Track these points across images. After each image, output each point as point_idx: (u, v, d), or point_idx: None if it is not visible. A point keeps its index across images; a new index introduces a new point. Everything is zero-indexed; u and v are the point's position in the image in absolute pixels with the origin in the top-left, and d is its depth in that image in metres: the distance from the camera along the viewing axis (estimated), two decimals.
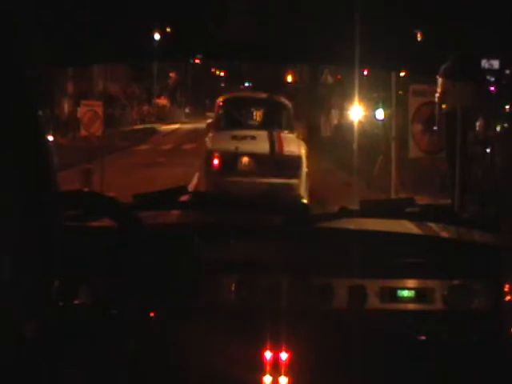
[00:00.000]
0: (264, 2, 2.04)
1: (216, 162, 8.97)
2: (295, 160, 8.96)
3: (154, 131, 34.12)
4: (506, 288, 1.84)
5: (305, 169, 9.07)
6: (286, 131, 9.71)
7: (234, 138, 9.27)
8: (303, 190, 8.75)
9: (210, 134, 9.82)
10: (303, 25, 1.92)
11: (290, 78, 29.47)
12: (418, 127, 9.88)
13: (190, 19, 2.05)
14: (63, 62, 1.96)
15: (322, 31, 1.92)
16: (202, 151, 9.70)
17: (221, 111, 10.22)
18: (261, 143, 9.17)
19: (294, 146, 9.28)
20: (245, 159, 9.09)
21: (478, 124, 10.50)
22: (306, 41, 1.96)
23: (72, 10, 1.85)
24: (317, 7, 1.90)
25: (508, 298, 1.84)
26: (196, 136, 29.93)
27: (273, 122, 9.88)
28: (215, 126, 9.99)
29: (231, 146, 9.09)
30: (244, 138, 9.30)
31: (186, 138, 28.74)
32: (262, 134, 9.34)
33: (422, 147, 9.92)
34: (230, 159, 9.00)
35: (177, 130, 37.73)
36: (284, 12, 1.96)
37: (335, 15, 1.89)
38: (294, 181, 8.75)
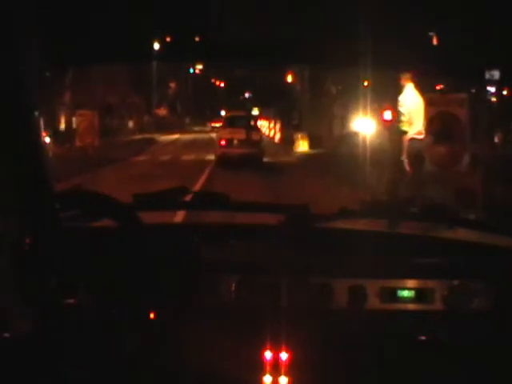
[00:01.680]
0: (264, 4, 2.05)
1: (223, 142, 20.36)
2: (257, 142, 20.53)
3: (152, 141, 34.07)
4: (506, 288, 1.84)
5: (262, 146, 20.94)
6: (253, 130, 21.38)
7: (230, 132, 20.64)
8: (261, 155, 20.25)
9: (220, 130, 22.07)
10: (305, 26, 1.92)
11: (290, 78, 29.69)
12: (430, 139, 9.38)
13: (189, 23, 2.06)
14: (62, 62, 1.96)
15: (323, 32, 1.92)
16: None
17: (225, 120, 22.87)
18: (242, 134, 20.36)
19: (257, 136, 20.96)
20: (235, 141, 20.29)
21: (496, 136, 10.27)
22: (308, 42, 1.96)
23: (72, 10, 1.86)
24: (319, 9, 1.91)
25: (508, 298, 1.84)
26: (195, 147, 29.94)
27: (248, 125, 21.30)
28: (222, 127, 22.12)
29: (229, 135, 20.54)
30: (235, 132, 20.53)
31: (185, 149, 28.64)
32: (243, 131, 20.57)
33: (435, 161, 9.35)
34: (229, 141, 20.28)
35: (176, 140, 37.66)
36: (284, 13, 1.97)
37: (338, 16, 1.90)
38: (257, 151, 20.07)
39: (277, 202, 2.25)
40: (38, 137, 1.84)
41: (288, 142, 28.50)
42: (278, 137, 33.39)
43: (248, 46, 2.09)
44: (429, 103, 9.49)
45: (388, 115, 12.12)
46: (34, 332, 1.71)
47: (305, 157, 23.73)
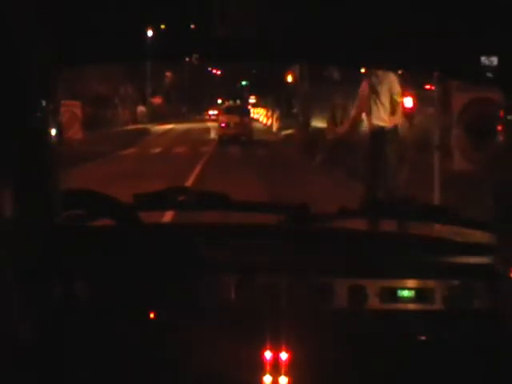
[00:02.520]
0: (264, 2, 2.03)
1: (222, 125, 29.01)
2: (247, 124, 29.13)
3: (145, 132, 33.81)
4: (506, 288, 1.85)
5: (252, 127, 29.81)
6: (245, 115, 29.36)
7: (228, 117, 28.85)
8: (251, 134, 28.53)
9: (220, 116, 30.84)
10: (306, 22, 1.90)
11: (290, 78, 29.92)
12: (461, 130, 7.62)
13: (186, 16, 2.03)
14: (62, 61, 1.95)
15: (325, 28, 1.90)
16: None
17: (224, 109, 31.51)
18: (237, 119, 28.26)
19: (248, 120, 29.48)
20: (231, 124, 28.35)
21: None
22: (309, 38, 1.94)
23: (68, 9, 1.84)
24: (320, 3, 1.89)
25: (507, 297, 1.84)
26: (189, 138, 29.93)
27: (241, 112, 29.27)
28: (221, 114, 30.50)
29: (227, 120, 28.71)
30: (231, 118, 28.56)
31: (178, 140, 28.88)
32: (237, 116, 28.41)
33: (469, 156, 7.66)
34: (227, 124, 28.56)
35: (170, 130, 37.41)
36: (285, 9, 1.95)
37: (339, 11, 1.88)
38: (247, 131, 28.40)
39: (276, 202, 2.24)
40: (43, 136, 1.83)
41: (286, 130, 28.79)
42: (275, 126, 33.33)
43: (246, 42, 2.07)
44: (459, 88, 7.77)
45: (409, 102, 9.88)
46: (34, 333, 1.71)
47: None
